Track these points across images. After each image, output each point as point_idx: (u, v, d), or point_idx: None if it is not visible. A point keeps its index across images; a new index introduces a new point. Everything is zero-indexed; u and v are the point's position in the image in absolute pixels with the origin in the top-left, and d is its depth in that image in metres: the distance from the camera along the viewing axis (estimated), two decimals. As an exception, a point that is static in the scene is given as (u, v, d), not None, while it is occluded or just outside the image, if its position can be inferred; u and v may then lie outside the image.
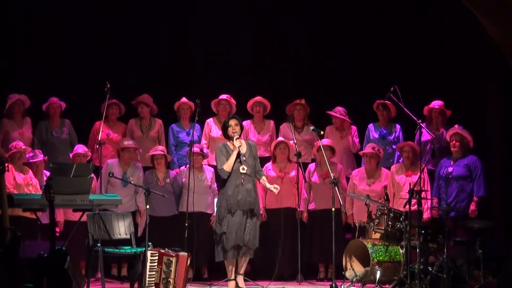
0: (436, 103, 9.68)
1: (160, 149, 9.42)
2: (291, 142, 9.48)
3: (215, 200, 9.11)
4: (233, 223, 7.99)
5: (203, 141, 9.82)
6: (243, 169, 8.06)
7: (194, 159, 9.30)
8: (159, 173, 9.40)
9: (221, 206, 8.09)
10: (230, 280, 8.14)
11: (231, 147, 8.17)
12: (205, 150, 9.52)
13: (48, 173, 8.89)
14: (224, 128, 8.26)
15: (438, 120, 9.63)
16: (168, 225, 9.30)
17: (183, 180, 9.31)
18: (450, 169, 9.09)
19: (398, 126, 9.88)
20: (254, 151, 8.30)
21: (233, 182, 8.07)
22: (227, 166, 8.09)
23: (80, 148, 9.24)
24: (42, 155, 9.03)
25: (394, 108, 9.63)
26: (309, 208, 9.49)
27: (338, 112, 9.85)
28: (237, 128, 8.15)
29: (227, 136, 8.25)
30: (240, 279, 8.18)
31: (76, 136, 9.86)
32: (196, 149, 9.34)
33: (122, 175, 9.20)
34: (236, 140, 8.08)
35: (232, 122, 8.17)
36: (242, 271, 8.21)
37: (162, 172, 9.42)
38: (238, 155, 8.09)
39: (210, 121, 9.96)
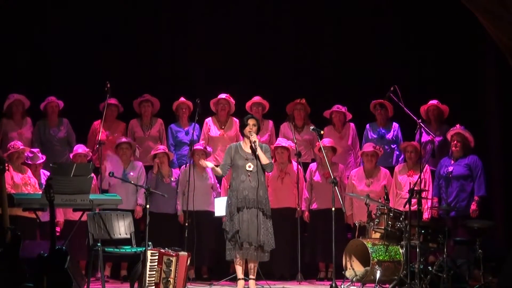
0: (431, 102, 9.70)
1: (161, 148, 9.44)
2: (289, 142, 9.45)
3: (215, 200, 9.15)
4: (242, 221, 7.98)
5: (201, 141, 9.79)
6: (249, 166, 8.10)
7: (196, 157, 9.32)
8: (163, 171, 9.41)
9: (231, 203, 8.10)
10: (239, 279, 8.08)
11: (243, 146, 8.20)
12: (208, 148, 9.51)
13: (46, 173, 8.91)
14: (242, 126, 8.28)
15: (435, 118, 9.64)
16: (170, 222, 9.31)
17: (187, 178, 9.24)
18: (450, 169, 9.10)
19: (395, 125, 9.89)
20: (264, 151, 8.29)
21: (239, 178, 8.11)
22: (216, 172, 8.33)
23: (80, 148, 9.23)
24: (41, 156, 9.01)
25: (392, 107, 9.65)
26: (311, 207, 9.49)
27: (336, 108, 9.89)
28: (254, 128, 8.20)
29: (243, 134, 8.28)
30: (252, 283, 8.10)
31: (75, 135, 9.85)
32: (199, 146, 9.34)
33: (122, 172, 9.21)
34: (252, 136, 8.10)
35: (251, 121, 8.20)
36: (254, 275, 8.09)
37: (166, 170, 9.43)
38: (253, 150, 8.11)
39: (208, 120, 9.94)
